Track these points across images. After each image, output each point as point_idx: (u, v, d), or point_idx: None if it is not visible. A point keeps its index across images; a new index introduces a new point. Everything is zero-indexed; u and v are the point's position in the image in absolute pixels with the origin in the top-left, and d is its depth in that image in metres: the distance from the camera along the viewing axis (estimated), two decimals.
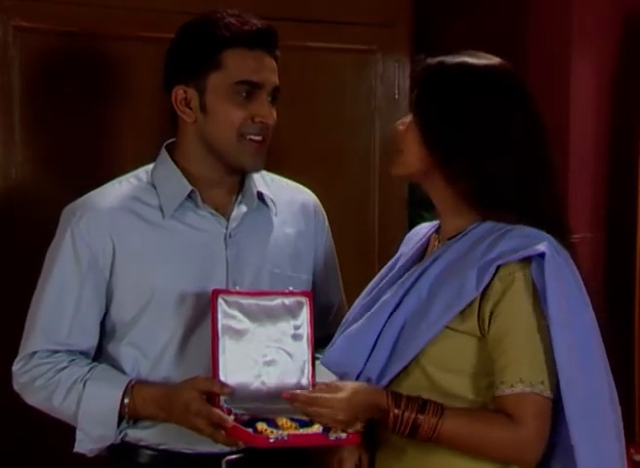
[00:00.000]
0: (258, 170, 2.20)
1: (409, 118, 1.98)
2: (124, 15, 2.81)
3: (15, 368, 2.17)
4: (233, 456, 2.14)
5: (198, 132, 2.16)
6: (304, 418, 1.93)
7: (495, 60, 1.97)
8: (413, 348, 1.89)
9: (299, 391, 1.93)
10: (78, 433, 2.12)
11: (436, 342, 1.88)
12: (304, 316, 2.09)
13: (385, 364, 1.93)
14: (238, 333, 2.03)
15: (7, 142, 2.76)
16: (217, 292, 2.03)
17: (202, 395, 1.99)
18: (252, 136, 2.13)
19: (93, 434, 2.11)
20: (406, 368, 1.91)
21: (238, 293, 2.06)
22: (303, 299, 2.09)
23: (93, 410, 2.10)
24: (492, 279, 1.85)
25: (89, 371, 2.12)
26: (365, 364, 1.95)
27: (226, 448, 2.10)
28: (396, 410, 1.84)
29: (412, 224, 3.11)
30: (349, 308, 2.13)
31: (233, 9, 2.17)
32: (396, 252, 2.14)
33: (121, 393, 2.09)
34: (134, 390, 2.09)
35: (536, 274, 1.84)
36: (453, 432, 1.84)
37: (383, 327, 1.94)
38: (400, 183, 3.06)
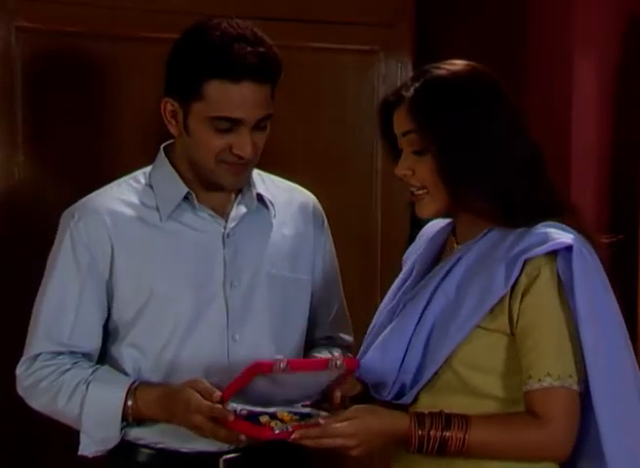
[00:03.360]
0: (238, 188, 2.19)
1: (410, 159, 1.94)
2: (126, 15, 2.81)
3: (18, 371, 2.16)
4: (231, 455, 2.13)
5: (183, 145, 2.16)
6: (304, 411, 1.93)
7: (469, 65, 1.93)
8: (445, 350, 1.86)
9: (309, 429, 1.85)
10: (82, 436, 2.12)
11: (467, 342, 1.85)
12: None
13: (418, 368, 1.90)
14: None
15: (9, 143, 2.76)
16: (255, 370, 1.87)
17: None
18: (230, 162, 2.11)
19: (96, 436, 2.11)
20: (437, 370, 1.88)
21: (282, 372, 1.87)
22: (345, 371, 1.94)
23: (96, 412, 2.09)
24: (520, 274, 1.82)
25: (92, 373, 2.12)
26: (399, 370, 1.92)
27: (224, 447, 2.10)
28: (420, 431, 1.81)
29: (414, 225, 3.12)
30: (375, 312, 2.08)
31: (234, 17, 2.09)
32: (408, 245, 2.14)
33: (124, 394, 2.08)
34: (136, 391, 2.09)
35: (562, 267, 1.82)
36: (481, 442, 1.82)
37: (413, 332, 1.91)
38: (402, 184, 3.06)
